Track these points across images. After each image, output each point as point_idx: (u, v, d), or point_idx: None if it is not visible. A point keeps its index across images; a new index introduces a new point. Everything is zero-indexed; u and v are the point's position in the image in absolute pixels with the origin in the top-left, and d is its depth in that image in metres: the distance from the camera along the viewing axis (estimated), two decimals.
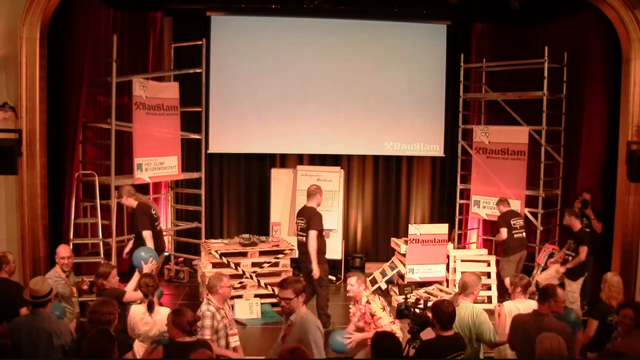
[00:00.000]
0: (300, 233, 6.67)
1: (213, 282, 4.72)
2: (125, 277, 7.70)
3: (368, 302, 5.06)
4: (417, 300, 4.81)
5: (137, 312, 4.66)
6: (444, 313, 4.08)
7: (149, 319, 4.61)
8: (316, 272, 6.40)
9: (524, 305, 4.96)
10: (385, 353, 3.52)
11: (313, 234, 6.41)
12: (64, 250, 5.61)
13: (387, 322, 4.94)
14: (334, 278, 8.67)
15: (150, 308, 4.63)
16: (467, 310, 4.62)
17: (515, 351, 4.48)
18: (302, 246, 6.64)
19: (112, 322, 4.08)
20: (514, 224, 7.49)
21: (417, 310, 4.55)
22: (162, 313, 4.54)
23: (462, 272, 5.14)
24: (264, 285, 7.30)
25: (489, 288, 7.54)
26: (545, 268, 7.66)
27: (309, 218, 6.52)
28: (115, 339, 3.73)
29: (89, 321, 4.12)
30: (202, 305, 4.66)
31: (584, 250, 6.72)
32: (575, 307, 6.39)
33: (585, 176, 8.18)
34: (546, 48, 8.18)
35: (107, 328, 3.94)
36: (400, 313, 4.61)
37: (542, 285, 5.59)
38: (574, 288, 6.80)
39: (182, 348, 3.87)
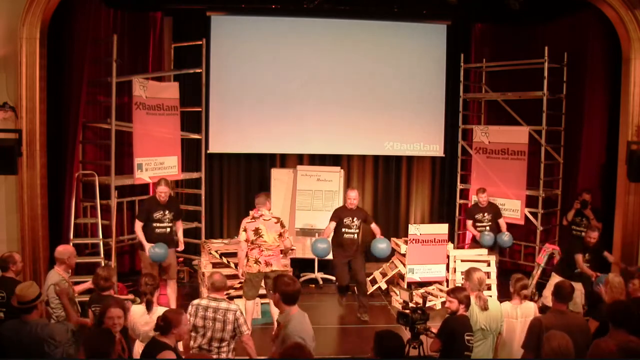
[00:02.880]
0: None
1: (222, 283, 4.78)
2: (125, 277, 7.75)
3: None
4: (417, 304, 4.92)
5: (136, 312, 4.64)
6: (467, 297, 4.58)
7: (148, 319, 4.60)
8: None
9: (523, 307, 4.91)
10: (387, 352, 3.52)
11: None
12: (71, 249, 5.46)
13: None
14: (334, 278, 8.66)
15: (148, 307, 4.61)
16: (496, 305, 4.83)
17: (531, 354, 4.41)
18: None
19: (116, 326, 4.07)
20: None
21: (419, 311, 4.75)
22: (160, 312, 4.53)
23: (470, 269, 5.06)
24: (263, 285, 7.29)
25: (489, 288, 7.54)
26: (545, 269, 7.65)
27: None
28: (114, 338, 3.73)
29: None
30: (231, 305, 4.68)
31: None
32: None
33: (585, 176, 8.19)
34: (546, 48, 8.19)
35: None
36: (407, 319, 4.78)
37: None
38: (580, 287, 6.77)
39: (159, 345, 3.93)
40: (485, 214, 7.99)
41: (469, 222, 8.11)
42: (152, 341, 3.99)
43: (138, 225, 6.68)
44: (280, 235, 6.45)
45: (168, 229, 6.77)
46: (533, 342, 4.24)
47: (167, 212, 6.74)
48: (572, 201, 7.98)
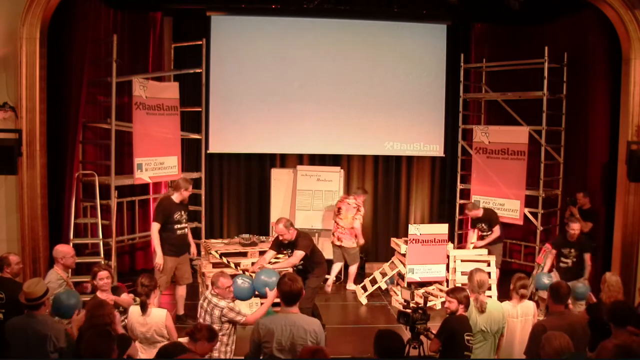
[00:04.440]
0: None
1: (213, 279, 4.83)
2: (125, 277, 7.75)
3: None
4: (417, 303, 4.92)
5: (134, 313, 4.62)
6: (466, 298, 4.59)
7: (143, 320, 4.60)
8: None
9: (523, 306, 4.91)
10: (387, 351, 3.53)
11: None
12: (67, 249, 5.49)
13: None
14: (333, 278, 8.67)
15: (142, 309, 4.56)
16: (497, 306, 4.79)
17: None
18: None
19: (110, 324, 4.05)
20: None
21: (420, 311, 4.79)
22: (155, 314, 4.53)
23: (473, 270, 5.02)
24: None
25: (489, 288, 7.53)
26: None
27: None
28: (114, 338, 3.72)
29: (88, 327, 4.08)
30: (221, 301, 4.71)
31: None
32: None
33: (586, 176, 8.19)
34: (546, 48, 8.18)
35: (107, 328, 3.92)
36: (408, 319, 4.81)
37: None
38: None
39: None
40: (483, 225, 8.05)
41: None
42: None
43: (155, 227, 6.31)
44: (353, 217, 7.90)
45: (186, 229, 6.58)
46: (536, 348, 4.14)
47: (183, 212, 6.51)
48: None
